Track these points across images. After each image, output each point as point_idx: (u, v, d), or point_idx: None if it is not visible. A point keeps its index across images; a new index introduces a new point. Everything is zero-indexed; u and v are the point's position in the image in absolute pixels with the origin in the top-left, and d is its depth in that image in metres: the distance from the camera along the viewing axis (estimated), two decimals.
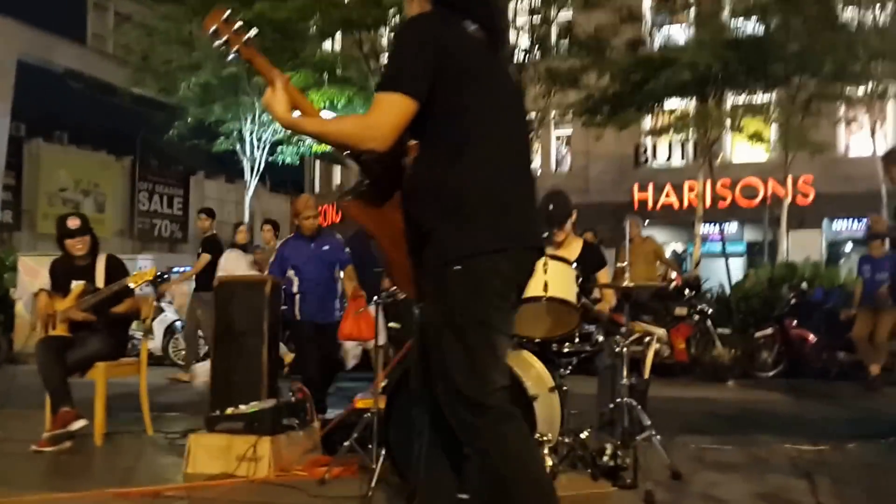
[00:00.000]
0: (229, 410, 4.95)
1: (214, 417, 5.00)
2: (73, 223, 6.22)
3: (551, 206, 5.41)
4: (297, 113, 2.69)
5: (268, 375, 5.65)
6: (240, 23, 2.76)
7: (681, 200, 24.10)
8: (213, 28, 2.73)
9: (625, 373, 4.67)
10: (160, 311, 12.80)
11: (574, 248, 5.49)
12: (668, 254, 23.62)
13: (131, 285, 6.11)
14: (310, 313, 6.79)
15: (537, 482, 2.65)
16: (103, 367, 5.98)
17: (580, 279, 4.59)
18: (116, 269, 6.28)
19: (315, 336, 6.77)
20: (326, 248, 6.90)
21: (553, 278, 4.36)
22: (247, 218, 17.61)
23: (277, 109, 2.67)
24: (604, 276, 5.51)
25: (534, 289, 4.25)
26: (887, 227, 7.43)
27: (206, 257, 10.29)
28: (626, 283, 4.86)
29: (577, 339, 4.69)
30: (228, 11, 2.78)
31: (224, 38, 2.73)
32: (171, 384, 9.91)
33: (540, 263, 4.15)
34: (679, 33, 15.67)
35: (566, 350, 4.67)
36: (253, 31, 2.73)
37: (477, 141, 2.65)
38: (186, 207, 34.60)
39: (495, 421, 2.57)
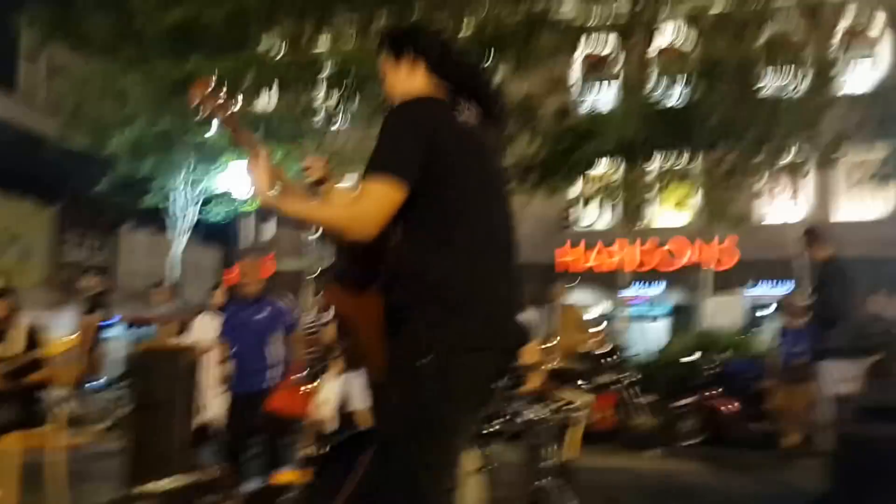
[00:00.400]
0: (147, 487, 4.85)
1: (129, 497, 4.97)
2: None
3: None
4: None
5: (182, 449, 5.64)
6: (223, 95, 2.76)
7: (605, 263, 24.53)
8: (199, 100, 2.74)
9: (552, 451, 4.76)
10: None
11: None
12: (594, 314, 24.08)
13: (51, 354, 6.02)
14: (234, 382, 6.72)
15: None
16: (16, 437, 5.83)
17: None
18: (37, 337, 6.19)
19: (243, 406, 6.67)
20: (262, 315, 6.81)
21: None
22: (175, 273, 17.31)
23: (260, 185, 2.61)
24: (530, 353, 5.50)
25: None
26: (802, 309, 7.67)
27: (94, 318, 9.94)
28: (554, 364, 4.91)
29: (506, 417, 4.77)
30: (213, 83, 2.77)
31: (209, 111, 2.73)
32: None
33: None
34: (606, 102, 16.06)
35: (493, 430, 4.74)
36: (238, 105, 2.71)
37: (461, 235, 2.57)
38: (114, 258, 33.91)
39: None
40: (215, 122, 2.75)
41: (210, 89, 2.73)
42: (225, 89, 2.80)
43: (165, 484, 4.93)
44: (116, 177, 16.17)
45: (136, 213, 28.33)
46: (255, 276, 6.88)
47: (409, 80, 2.76)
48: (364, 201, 2.49)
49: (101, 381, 13.27)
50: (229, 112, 2.73)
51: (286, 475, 5.46)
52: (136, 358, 5.85)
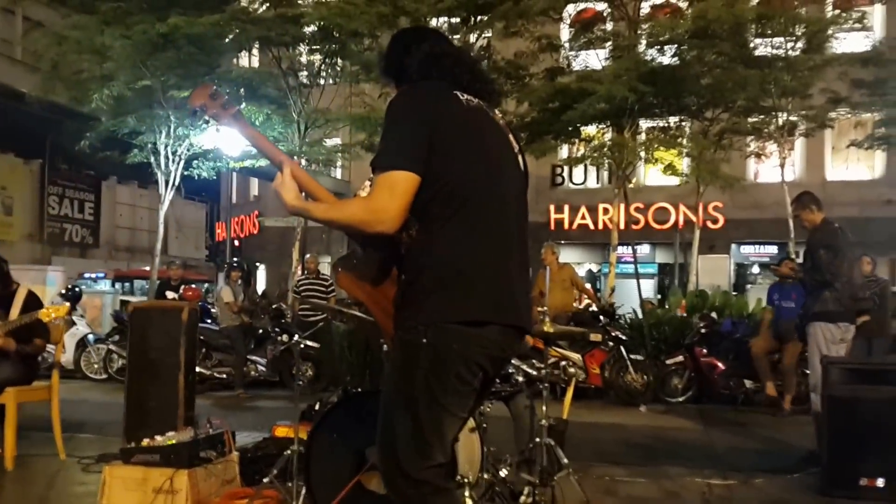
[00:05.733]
0: (145, 442, 4.87)
1: (130, 450, 4.90)
2: None
3: None
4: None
5: (184, 404, 5.63)
6: (226, 96, 2.72)
7: (595, 222, 24.59)
8: (200, 104, 2.68)
9: (544, 410, 4.73)
10: (72, 324, 12.55)
11: None
12: (582, 272, 24.22)
13: (44, 319, 6.05)
14: None
15: None
16: (13, 391, 5.89)
17: None
18: (33, 302, 6.25)
19: None
20: None
21: None
22: (161, 228, 17.21)
23: (287, 197, 2.61)
24: None
25: None
26: (794, 272, 7.70)
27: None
28: (545, 328, 4.86)
29: (497, 380, 4.76)
30: (215, 87, 2.72)
31: (212, 113, 2.68)
32: None
33: None
34: (596, 62, 15.91)
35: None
36: (242, 105, 2.64)
37: (467, 213, 2.56)
38: (98, 212, 33.73)
39: (428, 494, 2.54)
40: (221, 125, 2.71)
41: (212, 93, 2.67)
42: (227, 95, 2.73)
43: (166, 439, 4.91)
44: (100, 132, 15.94)
45: (120, 169, 28.09)
46: None
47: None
48: (381, 193, 2.48)
49: (94, 334, 13.28)
50: (235, 111, 2.69)
51: (286, 429, 5.49)
52: (136, 313, 5.80)
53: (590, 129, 16.12)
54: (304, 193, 2.69)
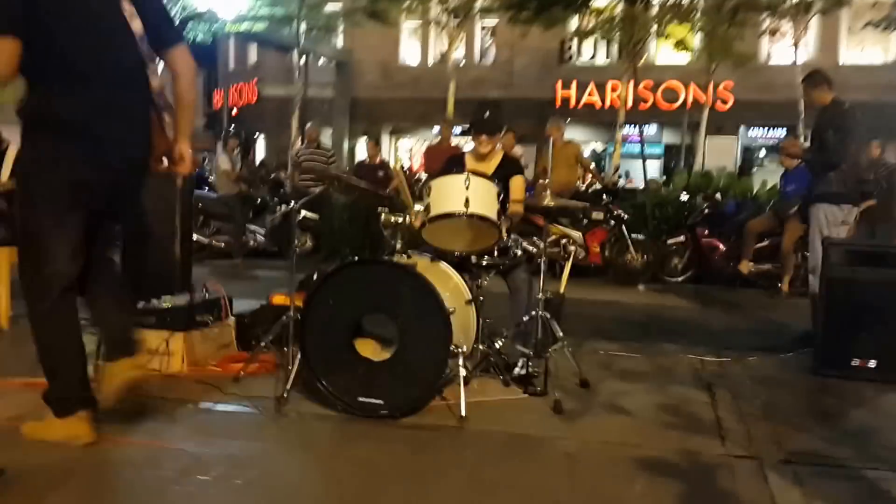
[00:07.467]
0: (141, 305, 4.82)
1: None
2: None
3: (486, 114, 5.36)
4: None
5: (181, 270, 5.64)
6: None
7: (603, 100, 24.15)
8: None
9: (541, 285, 4.71)
10: None
11: (494, 162, 5.41)
12: (587, 153, 23.93)
13: None
14: None
15: (58, 362, 3.39)
16: (6, 251, 5.82)
17: (501, 195, 4.59)
18: None
19: None
20: None
21: (474, 194, 4.39)
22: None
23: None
24: (516, 184, 5.32)
25: (454, 204, 4.35)
26: (801, 151, 7.50)
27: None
28: (546, 202, 4.78)
29: (495, 253, 4.74)
30: None
31: None
32: None
33: (461, 179, 4.40)
34: None
35: (485, 263, 4.70)
36: None
37: (64, 66, 3.17)
38: None
39: (43, 294, 3.33)
40: None
41: None
42: None
43: (162, 302, 4.91)
44: None
45: None
46: None
47: None
48: None
49: None
50: None
51: (283, 297, 5.46)
52: None
53: (600, 2, 15.59)
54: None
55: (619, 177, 12.23)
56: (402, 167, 11.93)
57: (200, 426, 3.89)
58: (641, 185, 12.88)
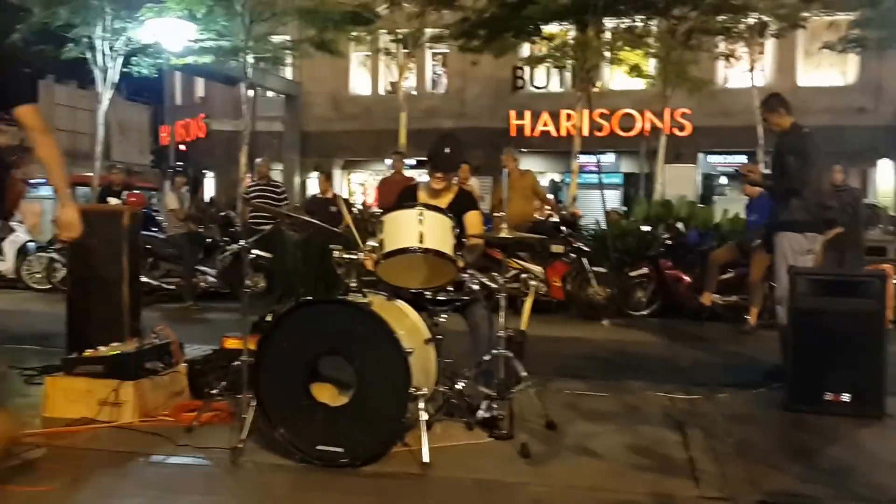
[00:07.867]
0: (88, 352, 4.73)
1: (72, 360, 4.74)
2: None
3: (447, 150, 5.05)
4: None
5: (129, 314, 5.44)
6: None
7: (558, 128, 23.98)
8: None
9: (502, 322, 4.55)
10: (11, 230, 12.14)
11: (449, 196, 5.12)
12: (545, 182, 23.69)
13: None
14: None
15: None
16: None
17: (457, 230, 4.44)
18: None
19: None
20: None
21: (429, 230, 4.26)
22: (100, 130, 16.34)
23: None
24: (473, 220, 5.06)
25: (409, 240, 4.26)
26: (761, 177, 7.28)
27: None
28: (503, 234, 4.69)
29: (451, 289, 4.58)
30: None
31: None
32: None
33: (415, 214, 4.28)
34: None
35: (441, 298, 4.55)
36: None
37: None
38: None
39: None
40: None
41: None
42: None
43: (110, 349, 4.78)
44: (32, 24, 14.91)
45: (58, 67, 26.67)
46: None
47: None
48: None
49: (34, 242, 12.61)
50: None
51: (236, 341, 5.27)
52: None
53: (552, 28, 15.41)
54: None
55: (564, 211, 11.92)
56: (345, 199, 11.48)
57: (152, 481, 3.80)
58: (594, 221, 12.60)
